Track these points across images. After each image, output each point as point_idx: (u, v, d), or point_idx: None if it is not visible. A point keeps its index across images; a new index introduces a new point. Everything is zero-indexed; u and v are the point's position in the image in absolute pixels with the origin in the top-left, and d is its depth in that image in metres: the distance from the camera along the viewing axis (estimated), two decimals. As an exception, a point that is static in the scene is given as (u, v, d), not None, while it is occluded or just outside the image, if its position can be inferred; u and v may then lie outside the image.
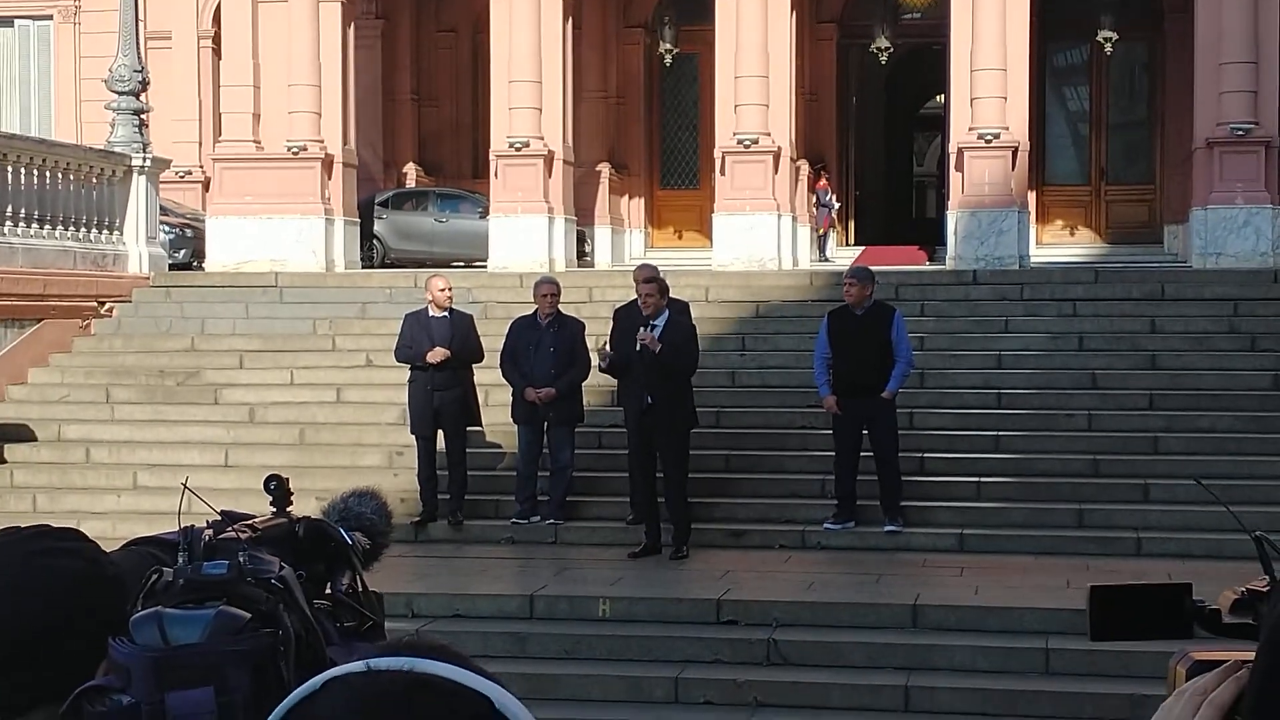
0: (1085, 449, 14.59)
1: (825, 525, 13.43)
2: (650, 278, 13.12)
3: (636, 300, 13.96)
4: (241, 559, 1.77)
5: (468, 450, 13.95)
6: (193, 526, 1.82)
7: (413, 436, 14.04)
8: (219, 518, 1.89)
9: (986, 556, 12.81)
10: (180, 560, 1.77)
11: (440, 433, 13.80)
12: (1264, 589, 1.90)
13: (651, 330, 12.68)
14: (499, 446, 14.90)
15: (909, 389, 13.98)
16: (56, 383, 17.42)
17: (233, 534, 1.84)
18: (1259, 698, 1.59)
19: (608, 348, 12.86)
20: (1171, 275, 19.26)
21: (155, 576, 1.76)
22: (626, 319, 13.84)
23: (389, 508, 2.28)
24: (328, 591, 2.01)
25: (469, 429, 14.01)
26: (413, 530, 13.26)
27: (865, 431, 13.30)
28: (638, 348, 12.57)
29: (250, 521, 1.94)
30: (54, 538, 1.86)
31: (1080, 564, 12.33)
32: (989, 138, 21.28)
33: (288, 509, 2.03)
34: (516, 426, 13.92)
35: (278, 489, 2.02)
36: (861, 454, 13.36)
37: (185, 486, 1.92)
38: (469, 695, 1.36)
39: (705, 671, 10.33)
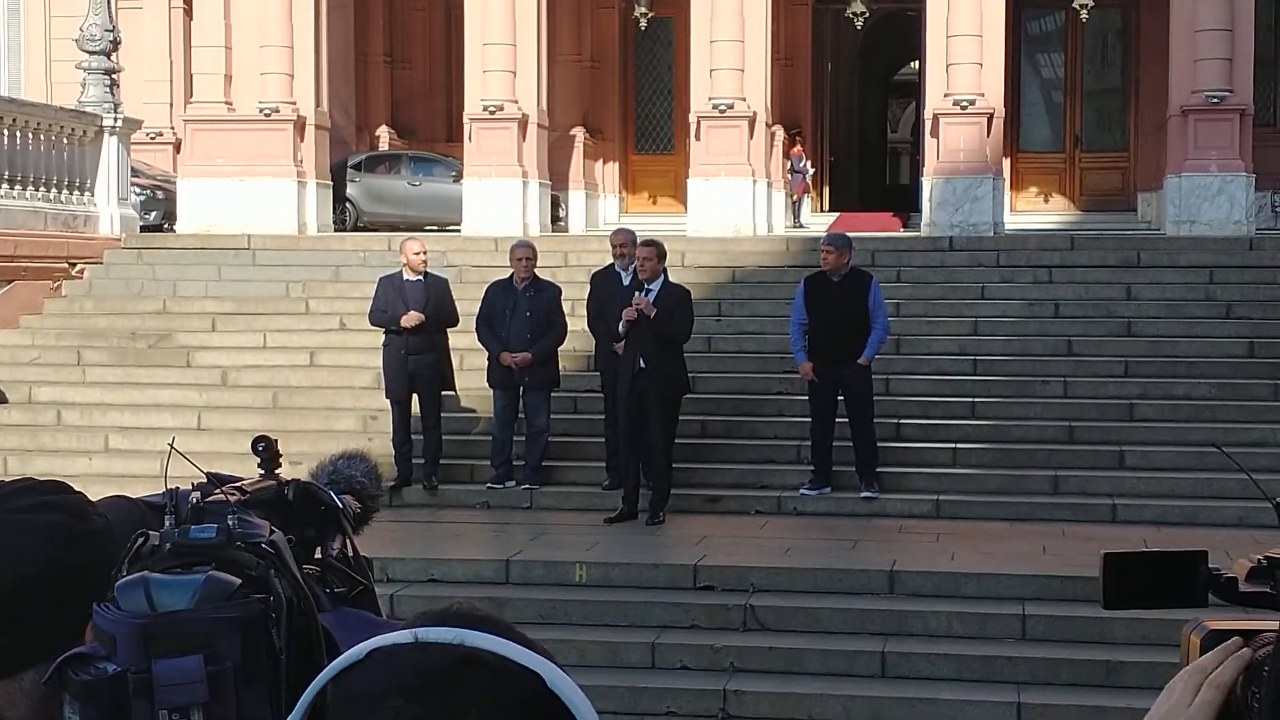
0: (1061, 416, 14.61)
1: (801, 491, 13.41)
2: (648, 241, 13.07)
3: (613, 265, 13.93)
4: (230, 523, 1.71)
5: (443, 415, 13.90)
6: (179, 489, 1.76)
7: (387, 401, 13.97)
8: (205, 480, 1.83)
9: (962, 522, 12.82)
10: (167, 524, 1.71)
11: (415, 397, 13.74)
12: (1283, 556, 1.85)
13: (646, 295, 12.63)
14: (474, 411, 14.84)
15: (885, 355, 13.97)
16: (27, 344, 17.30)
17: (221, 497, 1.77)
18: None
19: (633, 312, 12.59)
20: (1147, 243, 19.27)
21: (141, 540, 1.69)
22: (603, 284, 13.80)
23: (379, 470, 2.23)
24: (318, 556, 1.95)
25: (444, 393, 13.95)
26: (388, 495, 13.19)
27: (841, 398, 13.28)
28: (633, 313, 12.51)
29: (238, 484, 1.88)
30: (37, 492, 1.80)
31: (1056, 530, 12.36)
32: (964, 104, 21.25)
33: (276, 471, 1.97)
34: (492, 391, 13.86)
35: (266, 450, 1.96)
36: (837, 420, 13.34)
37: (171, 447, 1.85)
38: (519, 673, 1.31)
39: (682, 637, 10.31)
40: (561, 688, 1.31)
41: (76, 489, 1.85)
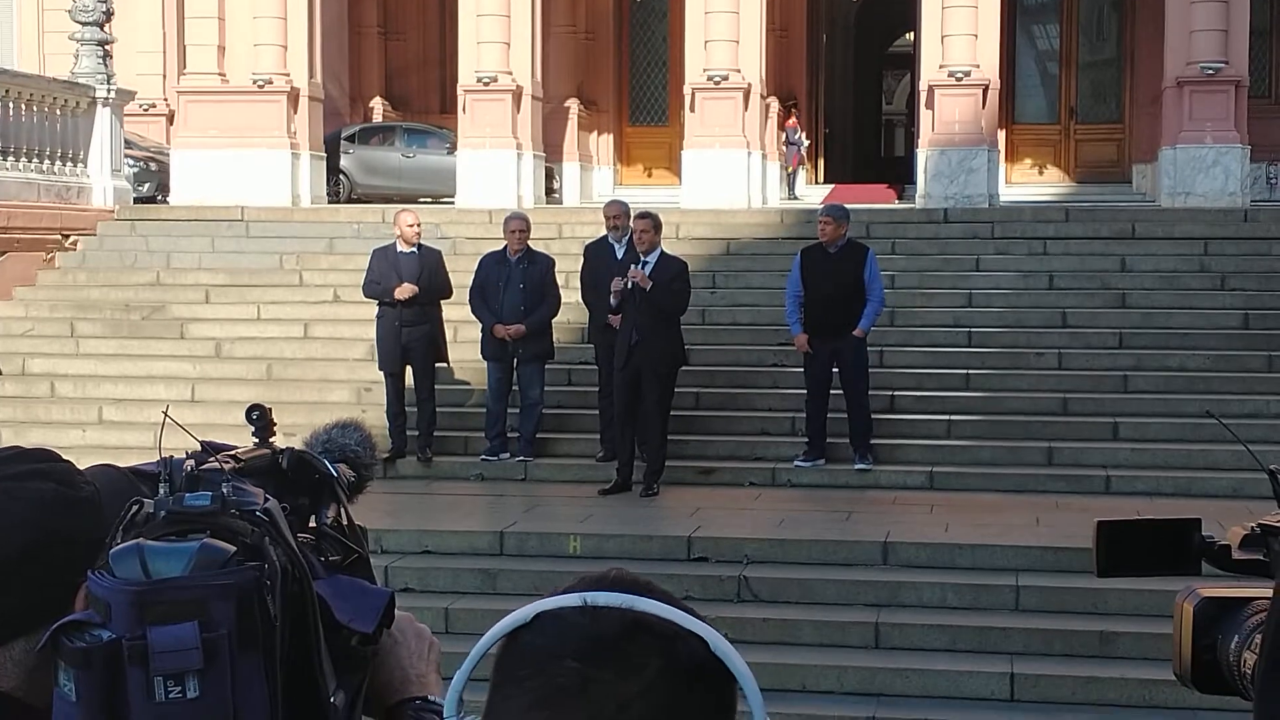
0: (1055, 387, 14.63)
1: (795, 463, 13.43)
2: (645, 214, 13.05)
3: (607, 236, 13.92)
4: (225, 490, 1.70)
5: (437, 387, 13.89)
6: (173, 457, 1.76)
7: (381, 372, 13.97)
8: (200, 448, 1.82)
9: (956, 494, 12.85)
10: (161, 491, 1.70)
11: (409, 369, 13.73)
12: (1276, 524, 1.86)
13: (642, 267, 12.61)
14: (468, 383, 14.84)
15: (879, 327, 13.97)
16: (20, 316, 17.27)
17: (215, 465, 1.77)
18: (1278, 634, 1.54)
19: (624, 283, 12.58)
20: (1142, 214, 19.26)
21: (135, 508, 1.69)
22: (597, 256, 13.79)
23: (373, 439, 2.22)
24: (312, 525, 1.95)
25: (437, 365, 13.94)
26: (382, 467, 13.17)
27: (836, 370, 13.28)
28: (628, 285, 12.50)
29: (233, 452, 1.88)
30: (26, 460, 1.80)
31: (1049, 502, 12.38)
32: (959, 76, 21.22)
33: (270, 440, 1.96)
34: (486, 363, 13.86)
35: (260, 419, 1.95)
36: (832, 392, 13.35)
37: (166, 415, 1.85)
38: (686, 637, 1.34)
39: (676, 608, 10.32)
40: (725, 652, 1.34)
41: (65, 458, 1.85)
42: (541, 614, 1.35)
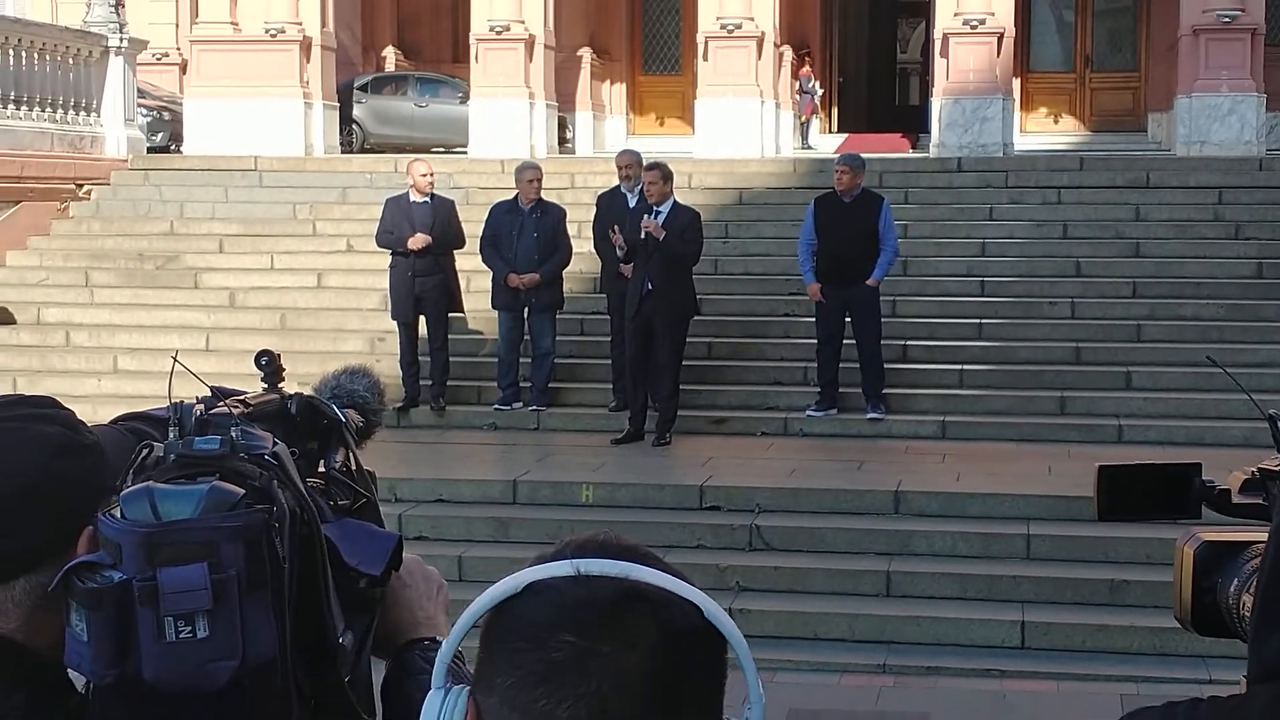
0: (1068, 337, 14.61)
1: (807, 412, 13.45)
2: (653, 164, 13.01)
3: (619, 186, 13.90)
4: (234, 434, 1.72)
5: (449, 336, 13.91)
6: (183, 401, 1.78)
7: (394, 322, 13.99)
8: (210, 393, 1.85)
9: (968, 444, 12.85)
10: (171, 435, 1.73)
11: (422, 318, 13.75)
12: (1276, 468, 1.87)
13: (655, 217, 12.59)
14: (480, 333, 14.86)
15: (892, 277, 13.94)
16: (35, 265, 17.32)
17: (225, 409, 1.79)
18: (1271, 579, 1.56)
19: (620, 237, 12.60)
20: (1156, 163, 19.18)
21: (146, 451, 1.71)
22: (609, 206, 13.77)
23: (381, 385, 2.24)
24: (321, 469, 1.97)
25: (450, 315, 13.96)
26: (395, 416, 13.23)
27: (848, 319, 13.28)
28: (641, 235, 12.48)
29: (242, 397, 1.90)
30: (30, 404, 1.82)
31: (1061, 451, 12.38)
32: (974, 24, 21.12)
33: (279, 385, 1.98)
34: (497, 313, 13.87)
35: (269, 364, 1.97)
36: (844, 342, 13.35)
37: (176, 360, 1.87)
38: (680, 604, 1.32)
39: (688, 557, 10.35)
40: (718, 617, 1.33)
41: (80, 412, 1.87)
42: (533, 584, 1.32)
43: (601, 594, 1.31)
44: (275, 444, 1.77)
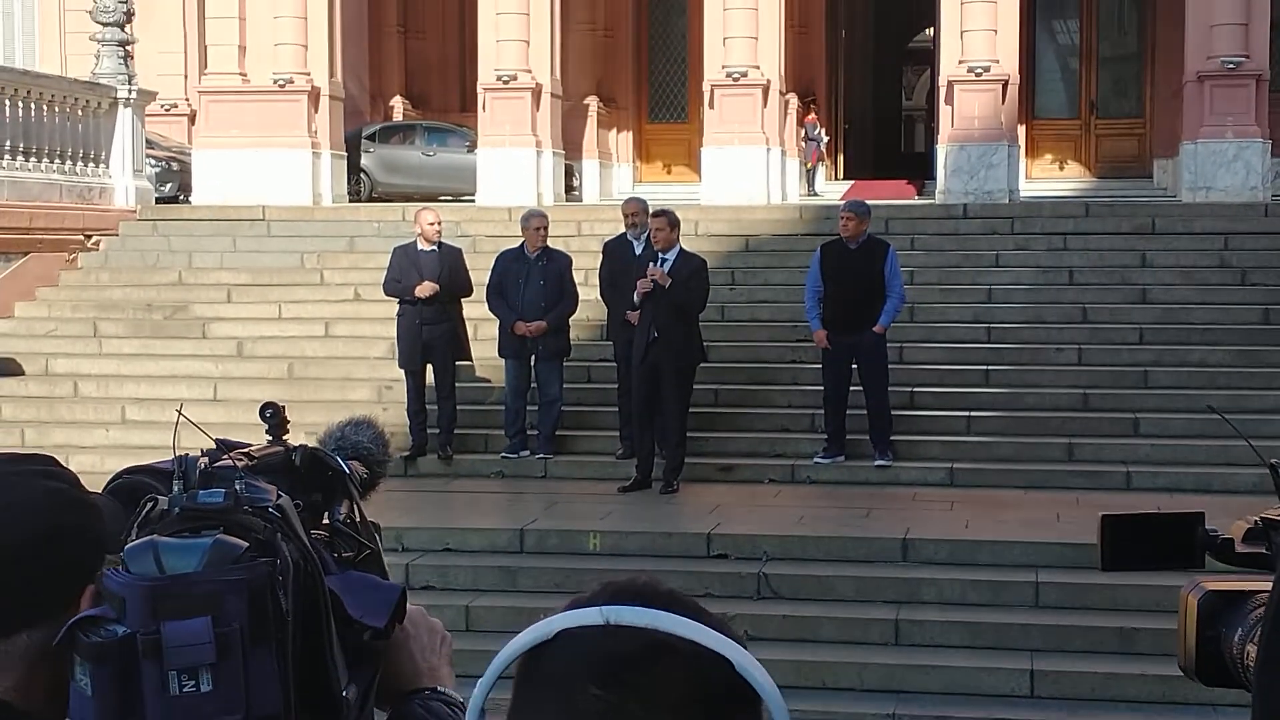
0: (1075, 383, 14.60)
1: (815, 459, 13.43)
2: (660, 212, 13.05)
3: (626, 234, 13.93)
4: (238, 487, 1.73)
5: (457, 384, 13.92)
6: (188, 455, 1.78)
7: (402, 371, 14.01)
8: (214, 446, 1.85)
9: (976, 490, 12.83)
10: (175, 488, 1.73)
11: (429, 367, 13.77)
12: (1278, 517, 1.87)
13: (661, 265, 12.61)
14: (488, 381, 14.86)
15: (899, 323, 13.95)
16: (43, 316, 17.36)
17: (229, 462, 1.80)
18: (1275, 629, 1.55)
19: (648, 280, 12.56)
20: (1162, 209, 19.21)
21: (150, 505, 1.72)
22: (616, 253, 13.80)
23: (386, 436, 2.24)
24: (325, 521, 1.97)
25: (458, 363, 13.97)
26: (402, 465, 13.24)
27: (855, 366, 13.28)
28: (648, 284, 12.49)
29: (246, 450, 1.90)
30: (31, 462, 1.83)
31: (1070, 498, 12.36)
32: (979, 71, 21.20)
33: (284, 437, 1.99)
34: (504, 361, 13.88)
35: (274, 417, 1.97)
36: (851, 388, 13.34)
37: (180, 413, 1.88)
38: (710, 658, 1.30)
39: (695, 605, 10.34)
40: (750, 671, 1.30)
41: (87, 463, 1.88)
42: (562, 632, 1.32)
43: (628, 645, 1.29)
44: (279, 496, 1.77)
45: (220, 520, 1.70)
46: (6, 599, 1.72)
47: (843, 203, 15.06)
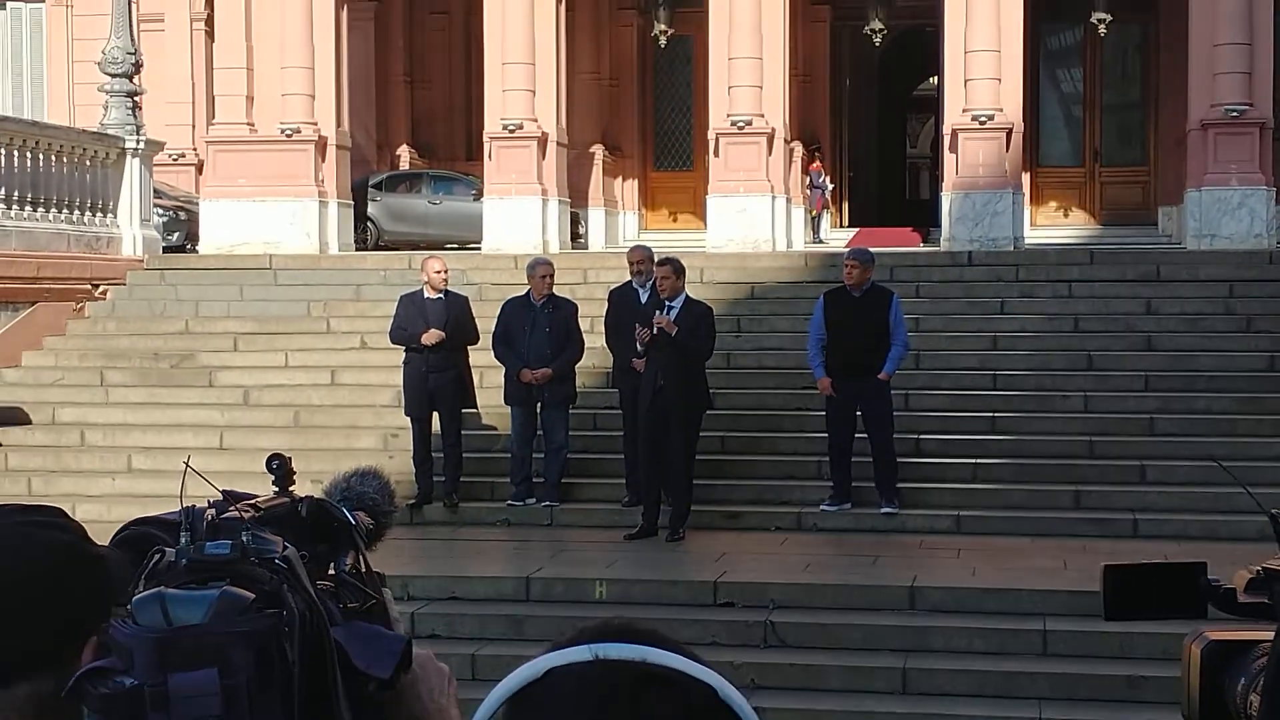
0: (1081, 430, 14.59)
1: (821, 507, 13.41)
2: (666, 260, 13.09)
3: (631, 282, 13.97)
4: (245, 539, 1.74)
5: (463, 432, 13.93)
6: (195, 506, 1.80)
7: (408, 418, 14.02)
8: (221, 497, 1.87)
9: (983, 538, 12.80)
10: (182, 540, 1.74)
11: (435, 415, 13.78)
12: (1279, 567, 1.88)
13: (667, 313, 12.64)
14: (494, 428, 14.87)
15: (904, 370, 13.96)
16: (50, 365, 17.39)
17: (235, 513, 1.81)
18: (1278, 678, 1.56)
19: (647, 330, 12.59)
20: (1166, 257, 19.25)
21: (158, 557, 1.73)
22: (621, 301, 13.83)
23: (391, 487, 2.25)
24: (330, 572, 1.98)
25: (464, 411, 13.98)
26: (408, 512, 13.23)
27: (859, 414, 13.27)
28: (654, 330, 12.52)
29: (253, 501, 1.92)
30: (39, 513, 1.84)
31: (1077, 545, 12.33)
32: (983, 119, 21.26)
33: (290, 488, 2.00)
34: (510, 408, 13.89)
35: (280, 468, 1.99)
36: (857, 435, 13.34)
37: (188, 465, 1.89)
38: (695, 686, 1.35)
39: (702, 654, 10.24)
40: (732, 698, 1.35)
41: (94, 512, 1.89)
42: (553, 670, 1.34)
43: (620, 678, 1.32)
44: (286, 548, 1.78)
45: (227, 572, 1.71)
46: (6, 649, 1.73)
47: (847, 250, 15.10)
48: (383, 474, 2.25)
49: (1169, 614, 1.96)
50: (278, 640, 1.68)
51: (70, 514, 1.93)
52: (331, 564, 1.98)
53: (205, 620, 1.65)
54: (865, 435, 13.33)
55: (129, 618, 1.66)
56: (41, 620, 1.74)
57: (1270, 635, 1.82)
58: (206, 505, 1.83)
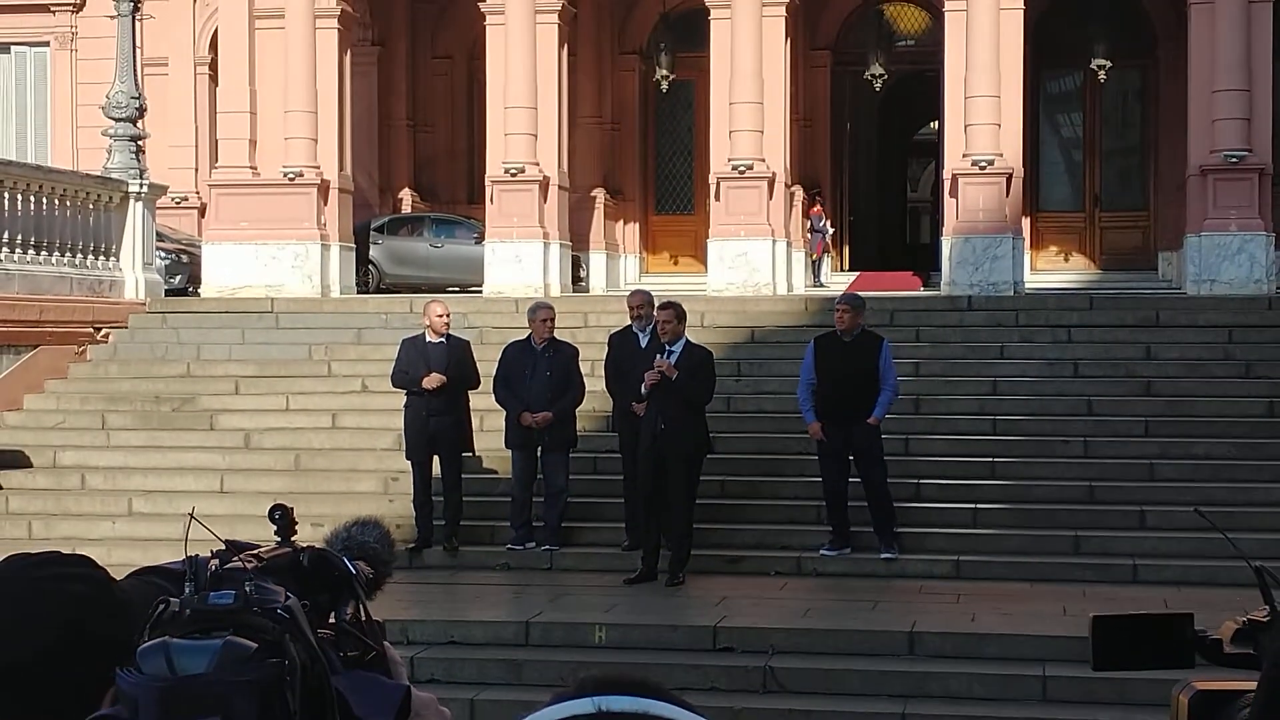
0: (1081, 475, 14.60)
1: (821, 551, 13.41)
2: (667, 304, 13.13)
3: (631, 326, 14.00)
4: (248, 589, 1.77)
5: (463, 476, 13.94)
6: (198, 556, 1.83)
7: (408, 462, 14.03)
8: (224, 547, 1.89)
9: (983, 583, 12.80)
10: (186, 590, 1.77)
11: (436, 458, 13.79)
12: (1265, 619, 1.91)
13: (668, 357, 12.67)
14: (494, 472, 14.88)
15: (903, 415, 13.99)
16: (52, 409, 17.41)
17: (238, 564, 1.84)
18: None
19: (655, 372, 12.63)
20: (1166, 302, 19.30)
21: (162, 606, 1.76)
22: (621, 345, 13.86)
23: (391, 536, 2.28)
24: (331, 621, 2.01)
25: (464, 454, 14.00)
26: (408, 556, 13.24)
27: (852, 459, 13.27)
28: (656, 375, 12.54)
29: (255, 551, 1.94)
30: (62, 563, 1.87)
31: (1077, 591, 12.33)
32: (983, 164, 21.34)
33: (292, 538, 2.03)
34: (511, 452, 13.91)
35: (282, 518, 2.01)
36: (852, 480, 13.34)
37: (192, 515, 1.92)
38: None
39: (701, 699, 10.26)
40: None
41: (94, 556, 1.91)
42: None
43: None
44: (288, 598, 1.81)
45: (230, 621, 1.73)
46: (31, 704, 1.76)
47: (839, 295, 15.14)
48: (383, 523, 2.28)
49: (1157, 664, 1.99)
50: (280, 689, 1.70)
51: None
52: (332, 613, 2.01)
53: (209, 669, 1.68)
54: (859, 480, 13.33)
55: (134, 667, 1.69)
56: (64, 676, 1.76)
57: (1255, 686, 1.85)
58: (210, 555, 1.85)
